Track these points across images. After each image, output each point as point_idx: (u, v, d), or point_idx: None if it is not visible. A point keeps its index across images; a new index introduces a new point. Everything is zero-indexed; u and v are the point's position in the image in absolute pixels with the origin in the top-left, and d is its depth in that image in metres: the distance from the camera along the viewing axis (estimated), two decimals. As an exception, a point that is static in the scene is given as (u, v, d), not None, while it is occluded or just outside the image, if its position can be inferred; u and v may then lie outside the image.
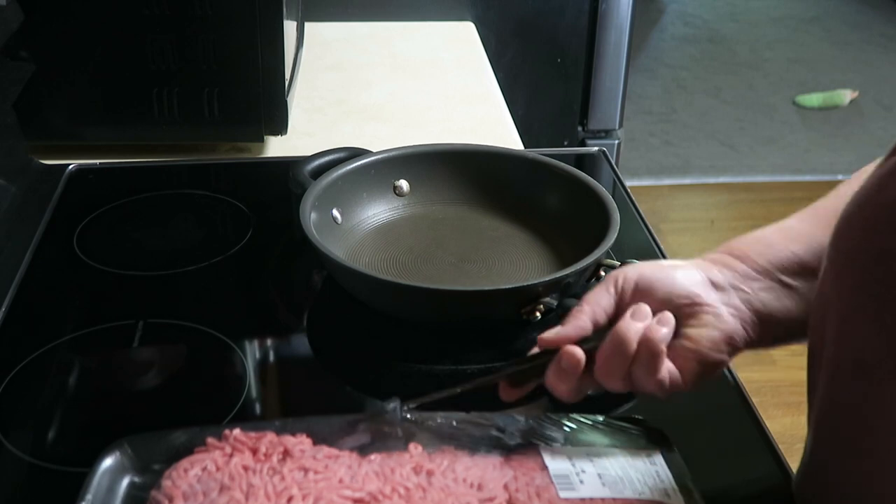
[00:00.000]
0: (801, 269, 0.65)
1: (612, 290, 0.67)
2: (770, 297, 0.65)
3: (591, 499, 0.59)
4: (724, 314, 0.64)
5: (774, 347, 0.68)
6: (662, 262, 0.67)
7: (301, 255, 0.92)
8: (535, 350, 0.66)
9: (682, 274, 0.66)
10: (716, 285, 0.65)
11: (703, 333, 0.64)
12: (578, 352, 0.63)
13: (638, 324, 0.63)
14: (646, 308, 0.64)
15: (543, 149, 1.03)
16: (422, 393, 0.64)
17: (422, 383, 0.78)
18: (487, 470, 0.60)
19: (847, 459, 0.55)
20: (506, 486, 0.59)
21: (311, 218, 0.84)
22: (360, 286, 0.82)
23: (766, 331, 0.65)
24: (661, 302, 0.65)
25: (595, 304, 0.66)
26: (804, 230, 0.67)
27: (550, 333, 0.65)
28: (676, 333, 0.64)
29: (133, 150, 1.12)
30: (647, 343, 0.62)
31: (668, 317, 0.64)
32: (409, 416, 0.63)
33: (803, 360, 0.60)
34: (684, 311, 0.64)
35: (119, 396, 0.76)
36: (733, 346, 0.65)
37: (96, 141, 1.11)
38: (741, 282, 0.65)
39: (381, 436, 0.63)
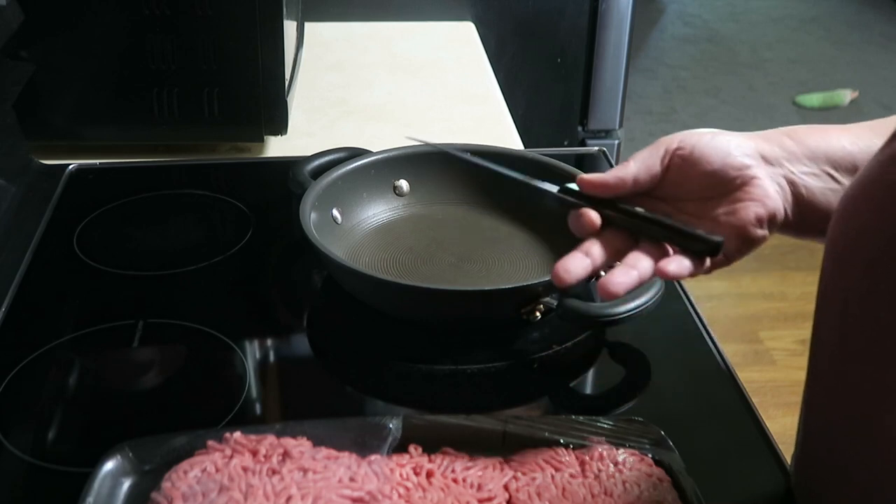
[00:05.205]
0: (851, 168, 0.65)
1: (661, 152, 0.66)
2: (815, 185, 0.65)
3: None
4: (770, 190, 0.64)
5: (806, 238, 0.67)
6: (715, 130, 0.67)
7: (301, 255, 0.92)
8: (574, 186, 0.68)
9: (735, 144, 0.65)
10: (766, 159, 0.65)
11: (749, 208, 0.63)
12: (594, 218, 0.66)
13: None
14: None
15: (543, 149, 1.03)
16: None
17: (422, 383, 0.78)
18: (487, 470, 0.60)
19: (856, 443, 0.54)
20: (506, 486, 0.59)
21: (311, 218, 0.84)
22: (360, 286, 0.82)
23: (804, 218, 0.65)
24: (710, 173, 0.64)
25: (641, 164, 0.66)
26: (863, 134, 0.66)
27: (591, 175, 0.67)
28: (721, 206, 0.64)
29: (133, 150, 1.12)
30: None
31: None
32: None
33: (803, 361, 0.60)
34: (733, 183, 0.64)
35: (119, 396, 0.76)
36: (774, 224, 0.64)
37: (96, 141, 1.11)
38: (791, 162, 0.65)
39: (379, 437, 0.63)
